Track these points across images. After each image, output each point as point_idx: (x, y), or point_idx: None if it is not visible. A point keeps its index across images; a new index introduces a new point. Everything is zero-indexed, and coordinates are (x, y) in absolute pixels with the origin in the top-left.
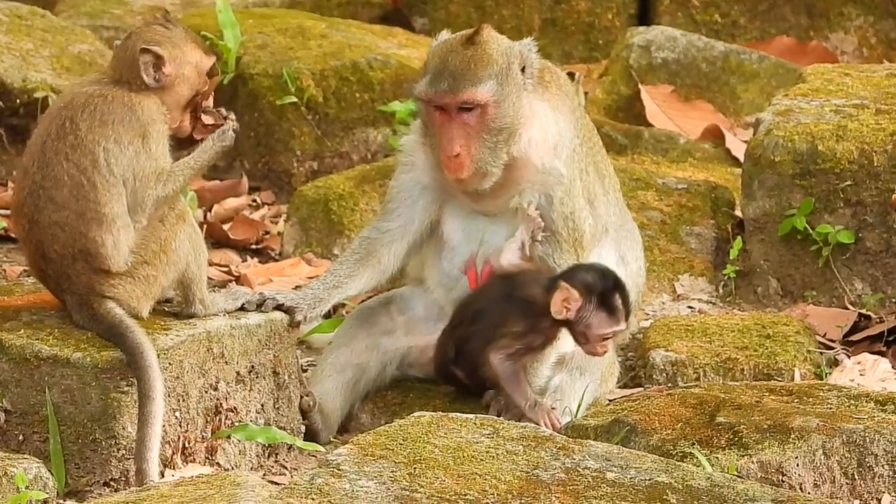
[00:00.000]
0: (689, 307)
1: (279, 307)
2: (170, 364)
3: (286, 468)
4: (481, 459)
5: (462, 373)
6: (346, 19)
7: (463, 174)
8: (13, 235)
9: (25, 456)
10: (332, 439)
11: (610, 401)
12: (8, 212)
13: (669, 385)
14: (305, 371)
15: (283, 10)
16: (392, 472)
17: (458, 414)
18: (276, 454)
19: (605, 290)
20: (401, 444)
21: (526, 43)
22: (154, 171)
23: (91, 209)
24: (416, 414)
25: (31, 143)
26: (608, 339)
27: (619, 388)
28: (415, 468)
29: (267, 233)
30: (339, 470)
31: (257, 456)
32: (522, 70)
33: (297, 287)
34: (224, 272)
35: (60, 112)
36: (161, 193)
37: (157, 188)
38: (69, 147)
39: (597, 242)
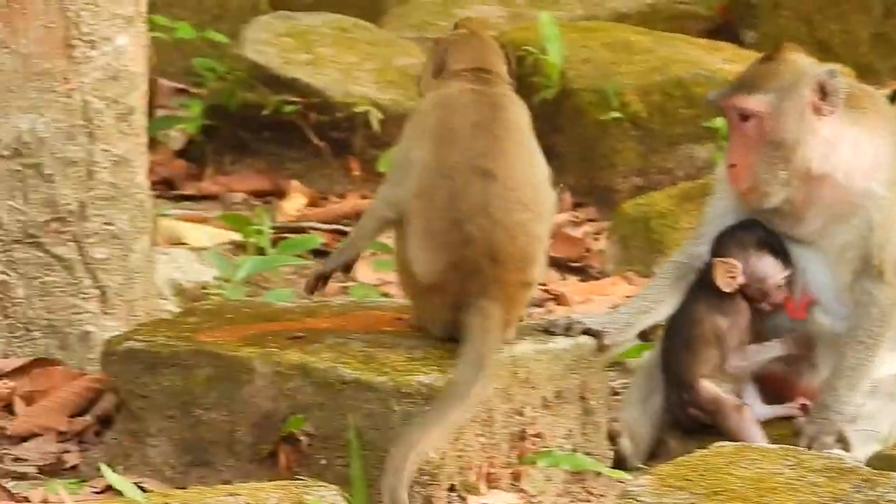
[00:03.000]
0: None
1: (587, 331)
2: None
3: (593, 495)
4: (782, 491)
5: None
6: (673, 33)
7: (740, 185)
8: (332, 250)
9: (322, 483)
10: (640, 466)
11: None
12: (328, 226)
13: None
14: (618, 395)
15: (608, 24)
16: (691, 503)
17: (761, 444)
18: (583, 480)
19: (754, 239)
20: (701, 474)
21: (828, 69)
22: None
23: (542, 212)
24: (717, 444)
25: (467, 139)
26: (782, 291)
27: None
28: (714, 500)
29: (588, 250)
30: (637, 501)
31: (564, 482)
32: (822, 95)
33: (614, 307)
34: (542, 290)
35: (494, 113)
36: None
37: None
38: (522, 148)
39: None
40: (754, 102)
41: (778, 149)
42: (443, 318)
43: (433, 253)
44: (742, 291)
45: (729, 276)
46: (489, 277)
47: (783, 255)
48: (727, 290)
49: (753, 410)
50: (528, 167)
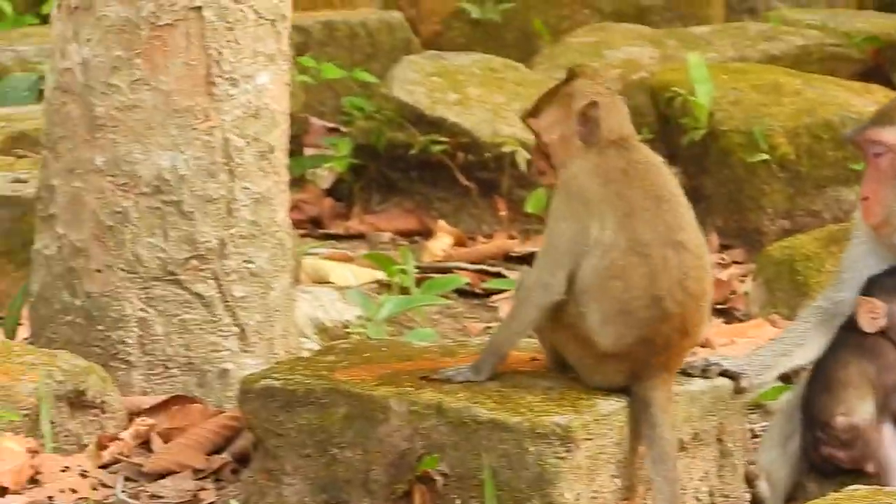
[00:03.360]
0: None
1: (724, 373)
2: (609, 430)
3: None
4: None
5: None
6: (824, 75)
7: (871, 219)
8: (478, 290)
9: None
10: None
11: None
12: (474, 266)
13: None
14: (757, 437)
15: (759, 66)
16: None
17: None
18: None
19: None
20: None
21: None
22: None
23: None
24: (850, 487)
25: (652, 212)
26: None
27: None
28: None
29: (733, 292)
30: None
31: None
32: None
33: (754, 349)
34: None
35: (661, 179)
36: None
37: None
38: (689, 210)
39: None
40: (887, 135)
41: None
42: (614, 382)
43: (625, 328)
44: (885, 333)
45: (871, 316)
46: (676, 350)
47: None
48: (870, 330)
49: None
50: (698, 229)
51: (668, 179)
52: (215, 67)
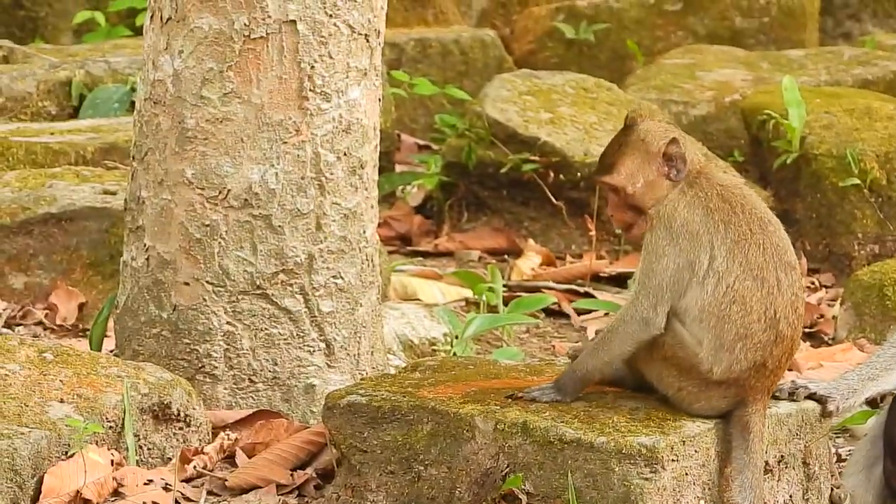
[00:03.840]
0: None
1: (811, 396)
2: (695, 451)
3: None
4: None
5: None
6: None
7: None
8: (566, 310)
9: None
10: None
11: None
12: (563, 286)
13: None
14: (842, 461)
15: (852, 90)
16: None
17: None
18: None
19: None
20: None
21: None
22: None
23: None
24: None
25: (760, 236)
26: None
27: None
28: None
29: (822, 316)
30: None
31: None
32: None
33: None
34: None
35: (754, 202)
36: None
37: None
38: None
39: None
40: None
41: None
42: (717, 409)
43: (742, 353)
44: None
45: None
46: (779, 374)
47: None
48: None
49: None
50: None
51: (760, 202)
52: (307, 81)
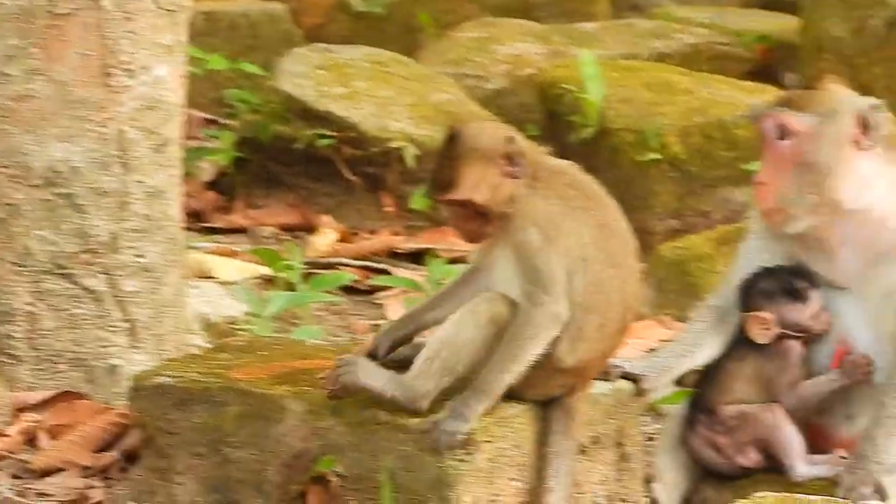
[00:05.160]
0: None
1: (625, 375)
2: (511, 433)
3: None
4: None
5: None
6: (714, 74)
7: (763, 204)
8: (363, 287)
9: None
10: None
11: None
12: (359, 262)
13: None
14: (653, 440)
15: (649, 64)
16: None
17: (802, 495)
18: None
19: (777, 285)
20: None
21: (872, 103)
22: None
23: None
24: (758, 494)
25: (613, 222)
26: (822, 316)
27: None
28: None
29: None
30: None
31: None
32: (864, 129)
33: (650, 350)
34: None
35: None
36: None
37: None
38: None
39: None
40: (796, 121)
41: (810, 172)
42: (549, 395)
43: (596, 343)
44: (783, 336)
45: (763, 328)
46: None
47: (810, 284)
48: (765, 341)
49: (799, 468)
50: None
51: (593, 181)
52: (112, 58)
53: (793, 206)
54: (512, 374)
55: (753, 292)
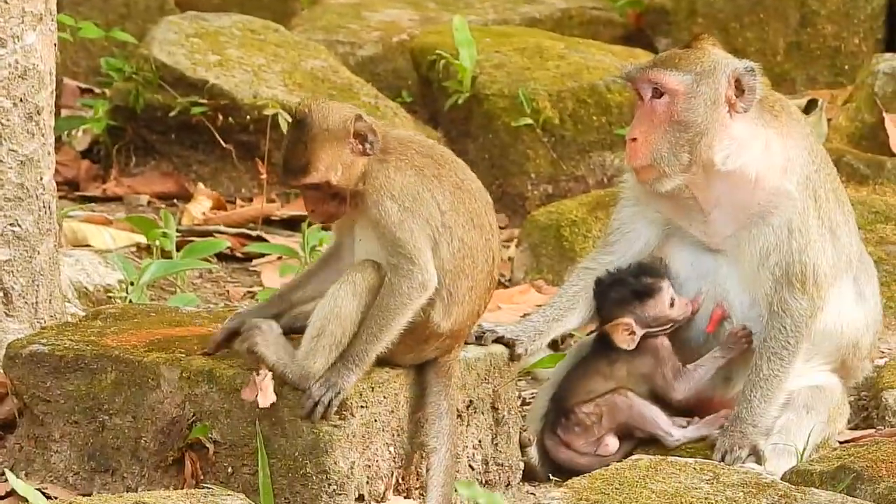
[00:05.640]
0: None
1: (499, 340)
2: (384, 398)
3: None
4: None
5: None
6: (586, 39)
7: (635, 161)
8: (239, 254)
9: (229, 493)
10: (550, 477)
11: (840, 442)
12: (234, 230)
13: None
14: (528, 404)
15: (521, 29)
16: None
17: (678, 458)
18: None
19: (627, 291)
20: (616, 488)
21: (747, 65)
22: None
23: None
24: (634, 457)
25: (467, 182)
26: (678, 303)
27: (851, 429)
28: None
29: None
30: None
31: None
32: (738, 90)
33: (524, 315)
34: None
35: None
36: None
37: None
38: None
39: (838, 277)
40: (671, 79)
41: (684, 130)
42: (423, 359)
43: (468, 305)
44: (647, 336)
45: (628, 334)
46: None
47: (657, 277)
48: (631, 347)
49: (672, 433)
50: None
51: (442, 146)
52: None
53: (665, 164)
54: (382, 342)
55: (607, 304)
